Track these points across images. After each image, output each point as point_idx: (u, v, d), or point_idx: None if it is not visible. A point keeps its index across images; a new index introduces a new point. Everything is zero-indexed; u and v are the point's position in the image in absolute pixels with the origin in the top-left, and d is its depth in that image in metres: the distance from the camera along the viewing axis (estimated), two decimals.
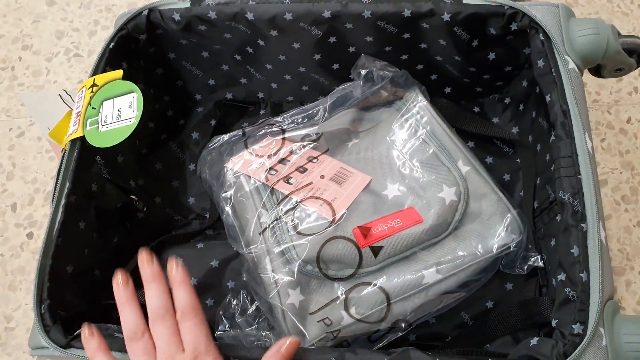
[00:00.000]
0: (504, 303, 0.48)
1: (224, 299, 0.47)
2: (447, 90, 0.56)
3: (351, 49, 0.51)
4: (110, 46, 0.45)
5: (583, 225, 0.37)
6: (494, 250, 0.43)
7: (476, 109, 0.57)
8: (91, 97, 0.41)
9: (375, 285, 0.42)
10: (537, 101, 0.51)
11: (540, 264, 0.45)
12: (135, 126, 0.40)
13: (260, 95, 0.57)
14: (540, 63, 0.44)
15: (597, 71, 0.48)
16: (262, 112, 0.58)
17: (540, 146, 0.50)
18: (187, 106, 0.57)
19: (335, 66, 0.53)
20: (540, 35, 0.44)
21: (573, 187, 0.38)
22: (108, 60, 0.45)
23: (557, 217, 0.46)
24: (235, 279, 0.49)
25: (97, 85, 0.42)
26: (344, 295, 0.42)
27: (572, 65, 0.43)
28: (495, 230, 0.44)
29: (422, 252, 0.44)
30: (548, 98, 0.43)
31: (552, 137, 0.42)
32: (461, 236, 0.44)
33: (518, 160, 0.54)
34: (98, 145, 0.40)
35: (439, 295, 0.43)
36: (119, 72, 0.42)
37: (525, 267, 0.46)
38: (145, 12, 0.46)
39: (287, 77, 0.55)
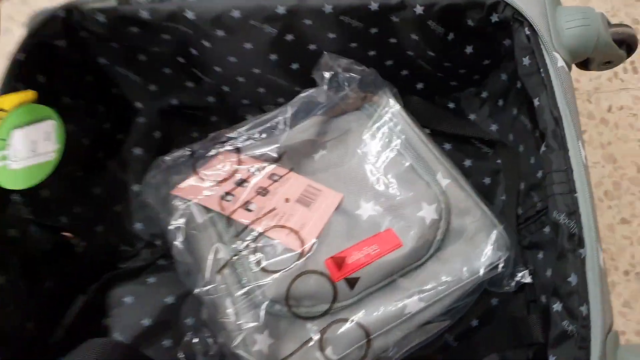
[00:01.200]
0: (489, 321, 0.45)
1: (183, 338, 0.41)
2: (419, 86, 0.51)
3: (311, 47, 0.44)
4: (19, 57, 0.37)
5: (581, 251, 0.33)
6: (481, 272, 0.39)
7: (451, 105, 0.52)
8: None
9: (352, 321, 0.37)
10: (518, 98, 0.46)
11: (529, 279, 0.42)
12: (56, 162, 0.33)
13: (211, 99, 0.50)
14: (526, 61, 0.39)
15: (583, 64, 0.44)
16: (213, 118, 0.51)
17: (523, 147, 0.46)
18: (126, 117, 0.49)
19: (295, 66, 0.46)
20: (526, 28, 0.39)
21: (568, 206, 0.34)
22: (18, 75, 0.37)
23: (545, 229, 0.42)
24: (195, 316, 0.43)
25: (4, 110, 0.34)
26: (318, 335, 0.37)
27: (561, 62, 0.38)
28: (480, 249, 0.40)
29: (402, 280, 0.39)
30: (536, 102, 0.38)
31: (543, 148, 0.37)
32: (444, 258, 0.40)
33: (499, 161, 0.49)
34: (11, 187, 0.33)
35: (422, 324, 0.39)
36: (31, 93, 0.34)
37: (513, 284, 0.42)
38: (61, 13, 0.38)
39: (240, 80, 0.48)
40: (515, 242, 0.43)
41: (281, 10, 0.39)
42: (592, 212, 0.33)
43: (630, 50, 0.43)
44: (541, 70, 0.37)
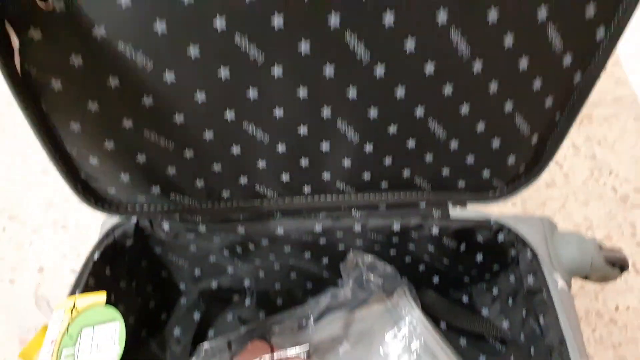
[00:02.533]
0: None
1: None
2: (435, 279, 0.56)
3: (341, 247, 0.51)
4: (95, 258, 0.44)
5: None
6: None
7: (465, 298, 0.57)
8: (69, 324, 0.39)
9: None
10: (525, 300, 0.50)
11: None
12: None
13: (247, 283, 0.56)
14: (530, 279, 0.45)
15: (583, 278, 0.49)
16: (247, 301, 0.56)
17: (534, 350, 0.49)
18: (171, 297, 0.55)
19: (325, 260, 0.53)
20: (528, 251, 0.45)
21: None
22: (92, 272, 0.43)
23: None
24: None
25: (77, 310, 0.40)
26: None
27: (561, 283, 0.43)
28: None
29: None
30: (542, 321, 0.42)
31: None
32: None
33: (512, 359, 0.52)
34: None
35: None
36: (102, 296, 0.40)
37: None
38: (135, 220, 0.46)
39: (275, 267, 0.54)
40: None
41: (318, 228, 0.46)
42: None
43: (622, 270, 0.48)
44: (544, 291, 0.43)
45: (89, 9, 0.28)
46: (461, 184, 0.45)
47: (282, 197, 0.45)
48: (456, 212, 0.47)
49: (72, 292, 0.42)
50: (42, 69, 0.31)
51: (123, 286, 0.50)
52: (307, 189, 0.44)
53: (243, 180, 0.42)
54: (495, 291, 0.56)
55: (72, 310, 0.40)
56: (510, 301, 0.54)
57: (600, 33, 0.34)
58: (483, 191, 0.46)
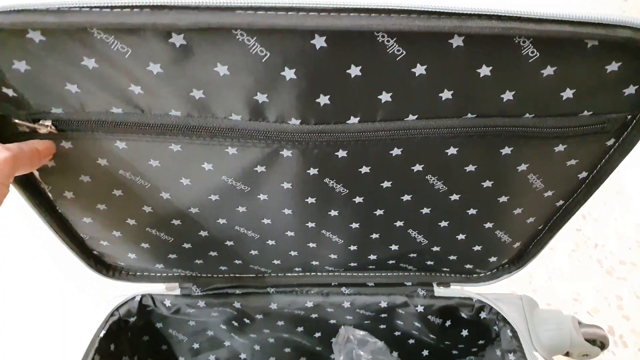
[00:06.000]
0: None
1: None
2: (425, 352, 0.58)
3: (332, 322, 0.53)
4: (101, 335, 0.47)
5: None
6: None
7: None
8: None
9: None
10: None
11: None
12: None
13: (243, 355, 0.58)
14: (512, 357, 0.47)
15: (565, 354, 0.51)
16: None
17: None
18: None
19: (317, 334, 0.55)
20: (509, 330, 0.47)
21: None
22: (97, 349, 0.46)
23: None
24: None
25: None
26: None
27: None
28: None
29: None
30: None
31: None
32: None
33: None
34: None
35: None
36: None
37: None
38: (138, 297, 0.49)
39: (270, 341, 0.56)
40: None
41: (309, 304, 0.49)
42: None
43: (603, 347, 0.50)
44: None
45: (92, 148, 0.32)
46: (445, 270, 0.48)
47: (275, 274, 0.48)
48: (440, 290, 0.49)
49: None
50: (56, 186, 0.35)
51: None
52: (297, 269, 0.47)
53: (237, 262, 0.45)
54: None
55: None
56: None
57: (583, 175, 0.35)
58: (466, 275, 0.49)
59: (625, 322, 0.66)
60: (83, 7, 0.23)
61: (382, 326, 0.54)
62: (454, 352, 0.58)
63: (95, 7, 0.23)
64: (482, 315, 0.49)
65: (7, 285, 0.81)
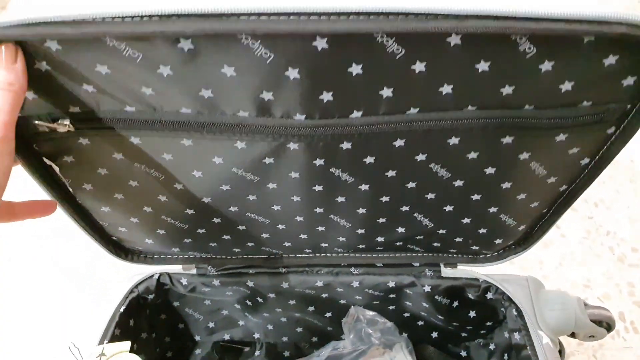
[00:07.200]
0: None
1: None
2: (434, 334, 0.59)
3: (342, 302, 0.55)
4: (122, 310, 0.49)
5: None
6: None
7: (463, 353, 0.59)
8: None
9: None
10: (519, 357, 0.53)
11: None
12: None
13: (257, 335, 0.60)
14: (517, 335, 0.48)
15: (571, 335, 0.51)
16: (257, 352, 0.60)
17: None
18: (187, 347, 0.59)
19: (328, 314, 0.57)
20: (514, 310, 0.48)
21: None
22: (117, 324, 0.49)
23: None
24: None
25: (106, 356, 0.45)
26: None
27: (546, 339, 0.46)
28: None
29: None
30: None
31: None
32: None
33: None
34: None
35: None
36: (127, 345, 0.45)
37: None
38: (156, 276, 0.52)
39: (283, 320, 0.58)
40: None
41: (319, 283, 0.51)
42: None
43: (609, 328, 0.50)
44: (528, 347, 0.46)
45: (108, 144, 0.34)
46: (452, 251, 0.49)
47: (287, 255, 0.50)
48: (447, 271, 0.51)
49: (101, 341, 0.47)
50: (75, 180, 0.37)
51: (144, 337, 0.55)
52: (308, 250, 0.49)
53: (250, 244, 0.47)
54: (492, 346, 0.58)
55: (100, 357, 0.45)
56: (505, 357, 0.56)
57: (585, 161, 0.36)
58: (473, 255, 0.50)
59: (637, 308, 0.66)
60: (96, 18, 0.25)
61: (391, 307, 0.56)
62: (463, 334, 0.59)
63: (108, 18, 0.25)
64: (489, 295, 0.50)
65: (7, 286, 0.83)
